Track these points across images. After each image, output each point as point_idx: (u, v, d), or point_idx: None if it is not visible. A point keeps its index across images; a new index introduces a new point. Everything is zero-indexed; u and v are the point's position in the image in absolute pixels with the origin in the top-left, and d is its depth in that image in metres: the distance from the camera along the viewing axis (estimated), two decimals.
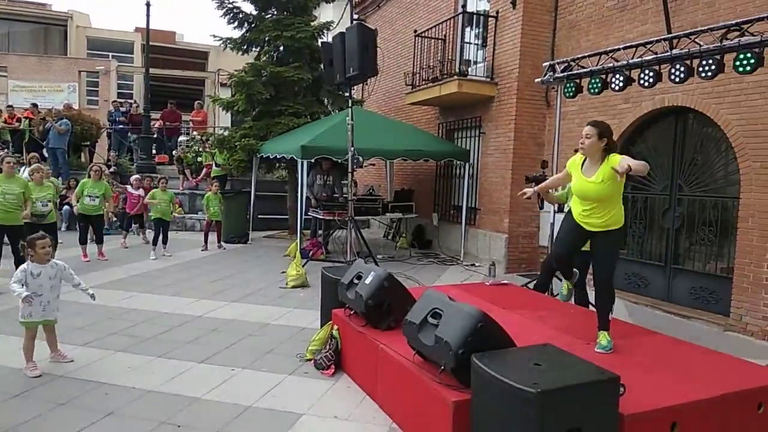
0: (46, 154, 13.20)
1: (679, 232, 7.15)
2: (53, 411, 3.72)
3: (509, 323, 4.22)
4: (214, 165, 12.76)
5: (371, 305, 4.16)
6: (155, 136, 16.06)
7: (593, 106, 7.96)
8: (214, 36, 11.96)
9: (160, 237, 9.53)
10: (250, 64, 11.31)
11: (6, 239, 7.13)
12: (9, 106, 15.92)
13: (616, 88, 5.83)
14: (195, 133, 15.81)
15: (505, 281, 6.38)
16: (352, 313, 4.53)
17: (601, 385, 2.71)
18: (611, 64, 5.90)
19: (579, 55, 6.53)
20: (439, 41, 10.25)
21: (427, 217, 11.39)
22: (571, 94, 6.53)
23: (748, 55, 4.55)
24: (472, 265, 9.52)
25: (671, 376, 3.51)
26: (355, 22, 6.77)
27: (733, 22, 4.87)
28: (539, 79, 6.98)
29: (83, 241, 8.94)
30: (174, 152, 15.20)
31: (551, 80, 6.73)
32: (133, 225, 11.00)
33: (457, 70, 9.38)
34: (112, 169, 13.55)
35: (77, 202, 8.92)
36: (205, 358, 4.77)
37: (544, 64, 6.99)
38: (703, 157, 6.94)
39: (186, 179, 13.82)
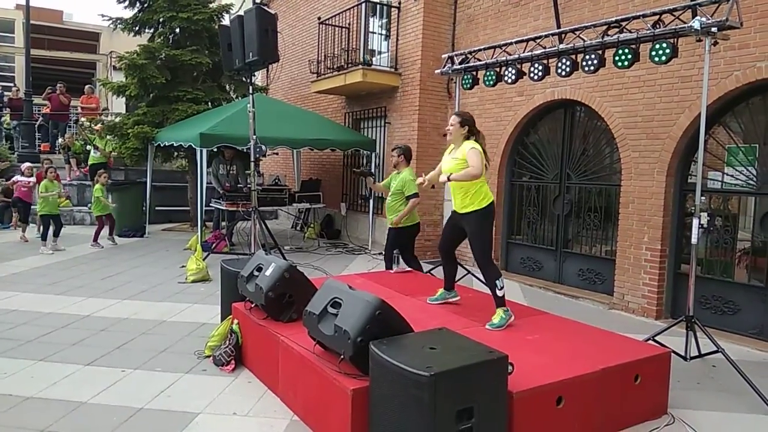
0: None
1: (568, 218, 7.62)
2: None
3: (411, 309, 4.32)
4: (92, 151, 11.83)
5: (271, 297, 4.06)
6: (39, 122, 14.76)
7: (491, 98, 8.28)
8: (103, 15, 11.11)
9: (51, 230, 8.85)
10: (143, 47, 10.63)
11: None
12: None
13: (509, 81, 6.08)
14: (84, 119, 14.68)
15: (409, 269, 6.49)
16: (252, 306, 4.41)
17: (491, 365, 2.82)
18: (504, 58, 6.14)
19: (475, 48, 6.73)
20: (344, 30, 10.19)
21: (336, 207, 11.35)
22: (469, 85, 6.73)
23: (626, 50, 4.89)
24: (380, 253, 9.58)
25: (558, 353, 3.73)
26: (254, 5, 6.53)
27: (614, 19, 5.22)
28: (439, 70, 7.13)
29: None
30: (59, 140, 14.01)
31: (450, 72, 6.90)
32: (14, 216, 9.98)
33: (361, 60, 9.37)
34: None
35: None
36: (92, 360, 4.47)
37: (443, 55, 7.15)
38: (589, 147, 7.43)
39: (72, 169, 12.80)
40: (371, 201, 10.06)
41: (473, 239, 4.44)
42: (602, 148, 7.24)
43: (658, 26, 4.71)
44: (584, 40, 5.25)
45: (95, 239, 9.42)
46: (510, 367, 2.93)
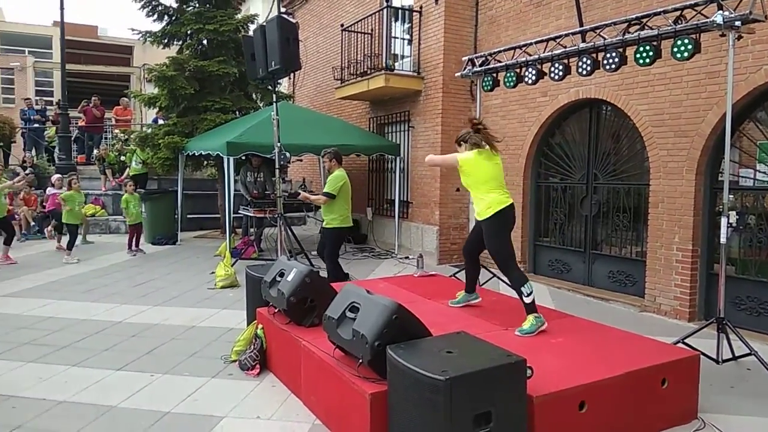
0: None
1: (596, 218, 7.49)
2: None
3: (432, 313, 4.33)
4: (134, 163, 12.21)
5: (293, 302, 4.12)
6: (75, 134, 15.27)
7: (514, 100, 8.21)
8: (133, 29, 11.43)
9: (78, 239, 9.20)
10: (172, 58, 10.90)
11: None
12: None
13: (530, 81, 6.02)
14: (117, 131, 15.13)
15: (433, 272, 6.48)
16: (276, 311, 4.48)
17: (509, 369, 2.79)
18: (524, 59, 6.09)
19: (495, 50, 6.69)
20: (366, 35, 10.26)
21: (362, 211, 11.40)
22: (489, 87, 6.69)
23: (647, 47, 4.80)
24: (406, 257, 9.62)
25: (582, 357, 3.68)
26: (275, 14, 6.64)
27: (634, 16, 5.12)
28: (459, 73, 7.11)
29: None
30: (94, 151, 14.47)
31: (470, 74, 6.87)
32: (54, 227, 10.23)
33: (384, 65, 9.42)
34: (27, 171, 12.77)
35: None
36: (123, 365, 4.60)
37: (463, 58, 7.13)
38: (616, 147, 7.29)
39: (108, 179, 13.20)
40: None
41: (487, 244, 4.45)
42: (629, 147, 7.10)
43: (680, 22, 4.61)
44: (605, 39, 5.17)
45: (129, 247, 9.68)
46: (529, 371, 2.90)
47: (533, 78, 5.95)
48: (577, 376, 3.30)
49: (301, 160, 12.61)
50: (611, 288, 7.21)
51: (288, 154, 7.42)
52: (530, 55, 6.09)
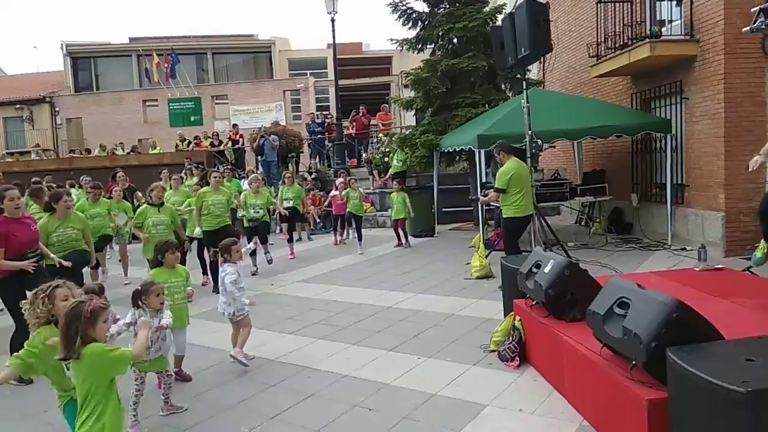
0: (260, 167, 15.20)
1: None
2: (265, 391, 4.25)
3: (722, 313, 3.70)
4: (395, 161, 13.18)
5: (552, 295, 3.95)
6: (346, 141, 17.32)
7: None
8: (391, 39, 12.42)
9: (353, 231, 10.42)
10: (425, 61, 11.53)
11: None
12: (234, 125, 19.03)
13: None
14: (381, 135, 16.65)
15: (720, 266, 5.54)
16: (533, 303, 4.36)
17: None
18: None
19: None
20: (626, 4, 9.29)
21: (625, 198, 10.41)
22: None
23: None
24: (683, 249, 8.45)
25: None
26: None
27: None
28: (747, 28, 5.92)
29: (290, 240, 10.05)
30: (363, 155, 16.19)
31: (763, 27, 5.66)
32: (339, 226, 11.61)
33: (648, 32, 8.41)
34: (313, 176, 14.96)
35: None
36: (393, 347, 5.02)
37: (752, 9, 5.90)
38: None
39: (375, 180, 14.62)
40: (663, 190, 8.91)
41: None
42: None
43: None
44: None
45: (398, 238, 10.49)
46: None
47: None
48: None
49: (554, 147, 12.09)
50: None
51: (539, 142, 7.18)
52: None
